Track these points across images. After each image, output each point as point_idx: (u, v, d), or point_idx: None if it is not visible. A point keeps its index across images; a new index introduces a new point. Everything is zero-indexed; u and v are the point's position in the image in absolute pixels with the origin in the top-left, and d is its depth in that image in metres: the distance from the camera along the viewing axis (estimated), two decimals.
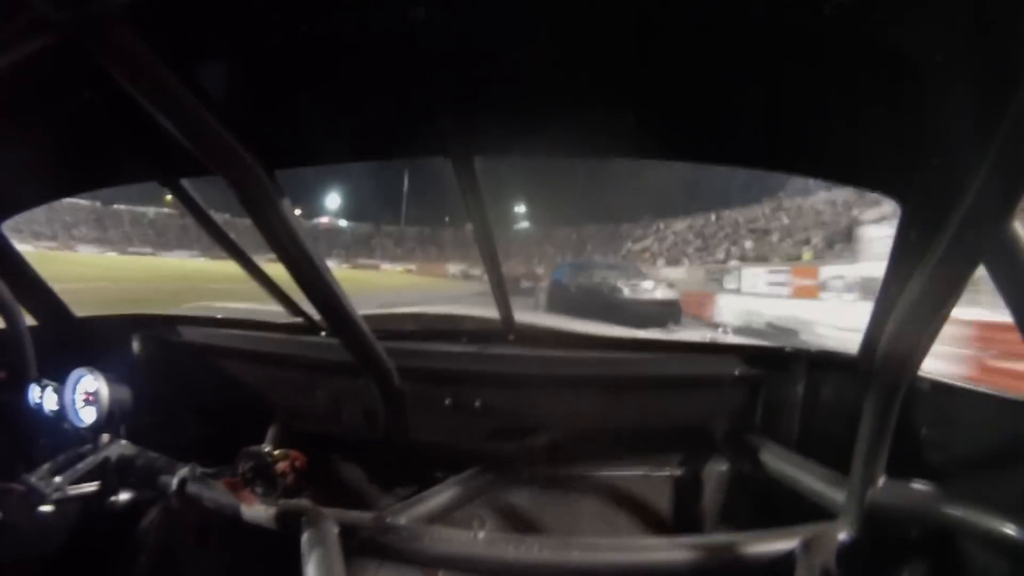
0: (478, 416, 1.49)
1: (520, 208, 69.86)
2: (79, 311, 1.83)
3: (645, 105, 1.01)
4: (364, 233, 75.49)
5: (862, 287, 14.95)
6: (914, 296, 0.79)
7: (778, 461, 1.24)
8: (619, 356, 1.56)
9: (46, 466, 1.34)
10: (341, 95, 1.04)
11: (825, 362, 1.36)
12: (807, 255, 24.79)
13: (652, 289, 12.22)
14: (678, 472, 1.46)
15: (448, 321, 1.92)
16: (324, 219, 75.51)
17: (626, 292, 11.74)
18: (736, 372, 1.41)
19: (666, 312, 11.63)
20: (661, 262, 37.25)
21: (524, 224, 70.49)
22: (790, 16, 0.76)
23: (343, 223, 77.02)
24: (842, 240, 23.19)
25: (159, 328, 1.82)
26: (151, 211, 64.46)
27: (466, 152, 1.11)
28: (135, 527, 1.63)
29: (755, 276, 22.73)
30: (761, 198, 37.98)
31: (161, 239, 61.99)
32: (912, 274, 0.79)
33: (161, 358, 1.81)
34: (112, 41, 0.73)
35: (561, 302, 11.93)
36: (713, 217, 41.89)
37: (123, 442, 1.43)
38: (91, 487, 1.40)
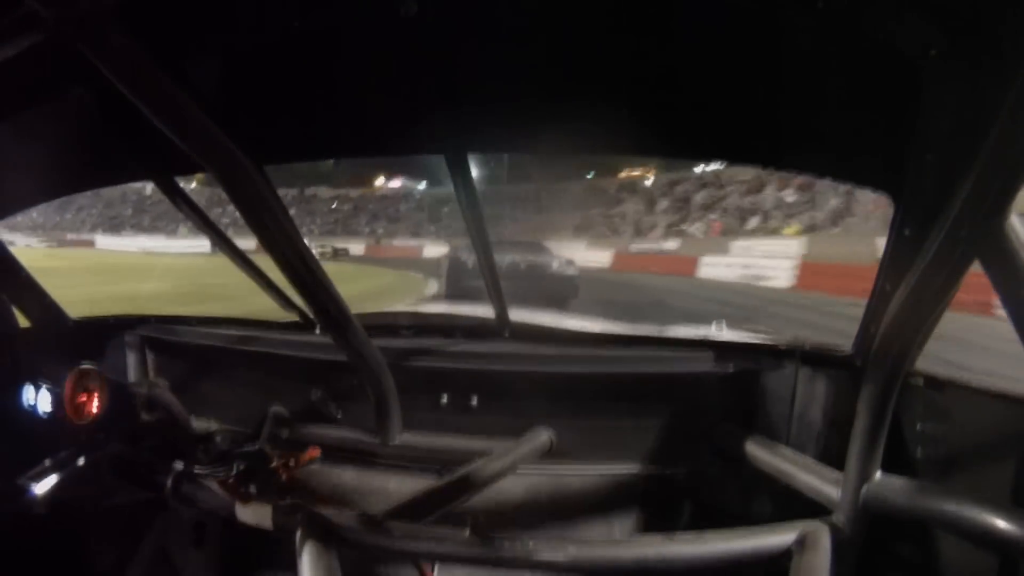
0: (473, 413, 1.49)
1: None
2: None
3: (638, 102, 1.01)
4: (438, 199, 49.29)
5: None
6: (909, 292, 0.79)
7: (773, 457, 1.24)
8: (614, 353, 1.56)
9: (41, 467, 1.34)
10: (332, 91, 1.03)
11: (819, 357, 1.37)
12: None
13: (550, 264, 12.46)
14: (673, 469, 1.46)
15: (442, 318, 1.91)
16: (396, 182, 53.82)
17: (522, 268, 11.83)
18: (731, 368, 1.42)
19: (564, 287, 11.93)
20: None
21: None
22: (784, 12, 0.76)
23: (421, 185, 52.36)
24: None
25: (153, 328, 1.81)
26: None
27: (460, 149, 1.11)
28: (130, 527, 1.62)
29: None
30: None
31: (135, 220, 52.10)
32: (907, 270, 0.79)
33: (155, 358, 1.80)
34: (102, 38, 0.72)
35: (459, 279, 11.62)
36: None
37: (117, 442, 1.43)
38: (86, 488, 1.39)
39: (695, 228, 35.64)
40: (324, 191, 53.88)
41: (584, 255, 29.36)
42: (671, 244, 31.80)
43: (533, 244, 13.86)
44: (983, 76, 0.71)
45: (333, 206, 53.11)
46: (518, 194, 44.86)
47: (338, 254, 29.66)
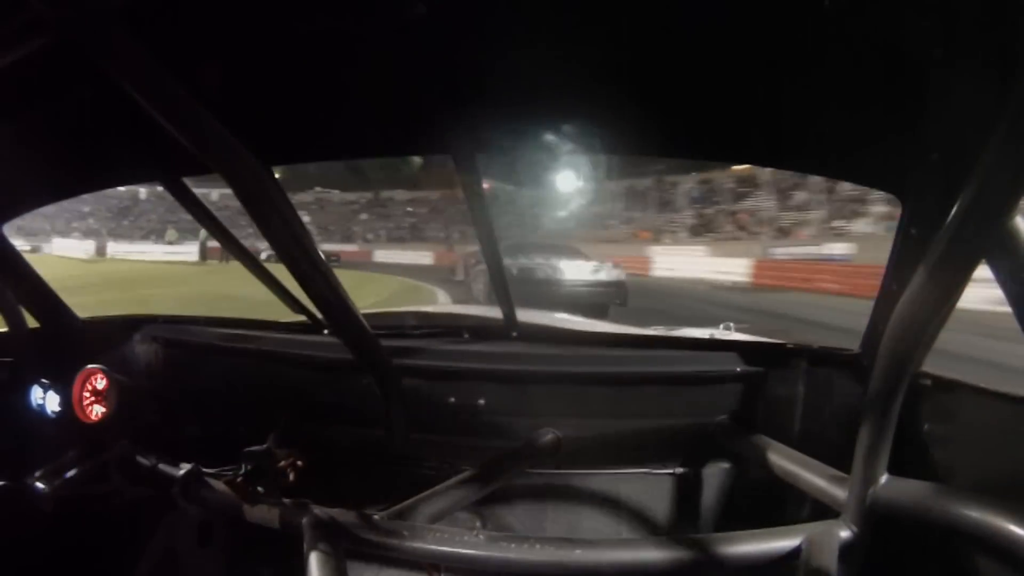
0: (481, 414, 1.49)
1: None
2: None
3: (645, 102, 1.01)
4: (529, 200, 37.90)
5: None
6: (915, 293, 0.79)
7: (780, 459, 1.24)
8: (622, 353, 1.56)
9: (49, 467, 1.35)
10: (340, 92, 1.04)
11: (826, 359, 1.36)
12: None
13: (596, 270, 11.48)
14: (680, 470, 1.46)
15: (450, 319, 1.92)
16: (484, 184, 38.36)
17: (569, 273, 11.05)
18: (738, 369, 1.41)
19: (612, 292, 11.08)
20: None
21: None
22: (790, 11, 0.76)
23: (510, 186, 30.03)
24: None
25: (161, 328, 1.82)
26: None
27: (468, 149, 1.11)
28: (138, 527, 1.63)
29: None
30: None
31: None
32: (913, 271, 0.79)
33: (163, 358, 1.81)
34: (109, 40, 0.73)
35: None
36: None
37: (126, 442, 1.44)
38: (94, 488, 1.40)
39: (869, 225, 24.92)
40: (401, 194, 49.77)
41: (709, 264, 22.64)
42: (840, 248, 22.48)
43: (566, 247, 13.03)
44: (988, 74, 0.71)
45: (408, 209, 49.66)
46: (616, 192, 37.82)
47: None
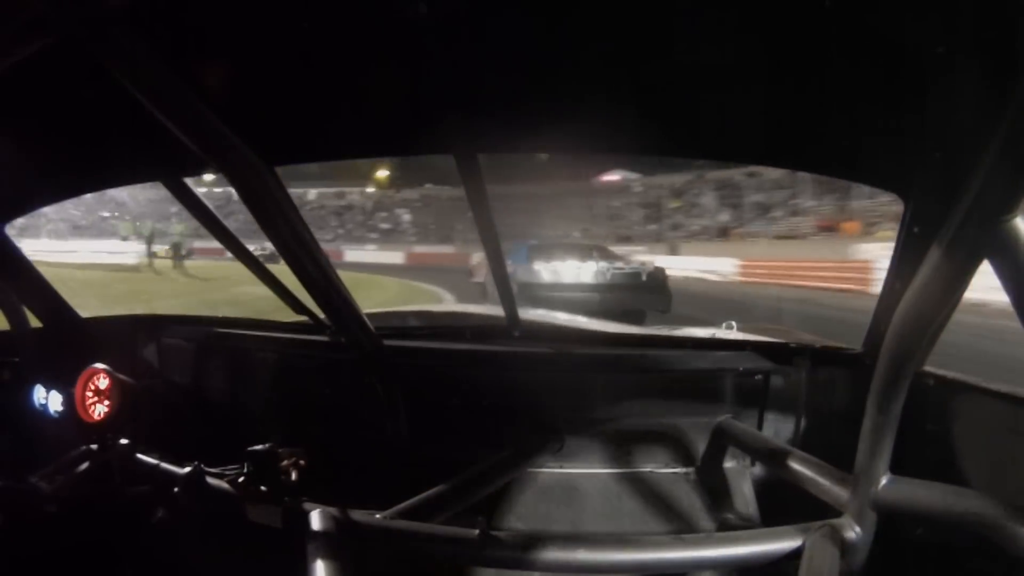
0: (483, 413, 1.49)
1: None
2: None
3: (646, 102, 1.01)
4: (661, 190, 35.32)
5: None
6: (918, 291, 0.79)
7: (782, 458, 1.24)
8: (624, 352, 1.55)
9: (51, 466, 1.35)
10: (342, 91, 1.04)
11: (829, 358, 1.36)
12: None
13: (637, 272, 10.19)
14: (682, 469, 1.46)
15: (453, 318, 1.92)
16: (614, 175, 38.80)
17: (607, 277, 9.85)
18: (740, 368, 1.41)
19: (652, 299, 9.82)
20: None
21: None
22: (791, 11, 0.76)
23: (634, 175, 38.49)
24: None
25: (163, 328, 1.83)
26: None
27: (469, 149, 1.11)
28: (140, 527, 1.64)
29: None
30: None
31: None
32: (916, 269, 0.79)
33: (165, 358, 1.81)
34: (112, 40, 0.73)
35: (528, 293, 9.10)
36: None
37: (128, 442, 1.44)
38: (96, 487, 1.40)
39: None
40: (518, 188, 40.12)
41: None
42: None
43: (597, 248, 11.81)
44: (991, 73, 0.71)
45: (523, 203, 40.94)
46: (776, 178, 30.47)
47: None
